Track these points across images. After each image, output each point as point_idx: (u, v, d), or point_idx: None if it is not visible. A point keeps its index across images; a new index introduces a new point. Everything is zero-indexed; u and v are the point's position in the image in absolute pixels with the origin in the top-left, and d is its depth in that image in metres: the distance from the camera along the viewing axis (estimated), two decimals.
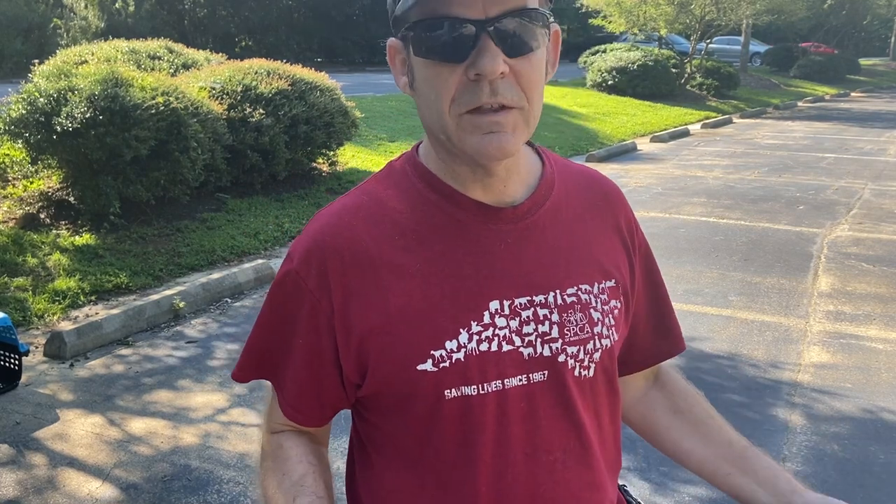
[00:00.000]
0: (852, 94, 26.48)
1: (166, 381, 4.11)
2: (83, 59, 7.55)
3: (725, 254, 6.58)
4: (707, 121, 16.82)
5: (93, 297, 5.09)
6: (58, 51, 7.99)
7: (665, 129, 15.00)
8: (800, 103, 22.21)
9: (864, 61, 36.80)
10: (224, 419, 3.70)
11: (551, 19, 0.94)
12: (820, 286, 5.76)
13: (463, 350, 0.94)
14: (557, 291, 0.99)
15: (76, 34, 18.64)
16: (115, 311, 4.75)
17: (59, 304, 4.92)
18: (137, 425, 3.63)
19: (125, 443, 3.48)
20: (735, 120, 17.91)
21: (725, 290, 5.64)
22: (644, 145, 13.33)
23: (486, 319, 0.95)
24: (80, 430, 3.58)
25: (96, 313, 4.82)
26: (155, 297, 5.04)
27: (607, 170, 10.74)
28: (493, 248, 0.98)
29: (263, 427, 1.12)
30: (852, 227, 7.63)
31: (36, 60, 7.21)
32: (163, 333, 4.77)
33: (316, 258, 0.98)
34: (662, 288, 1.19)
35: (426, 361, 0.94)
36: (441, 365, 0.94)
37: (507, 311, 0.96)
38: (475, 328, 0.95)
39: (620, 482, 1.17)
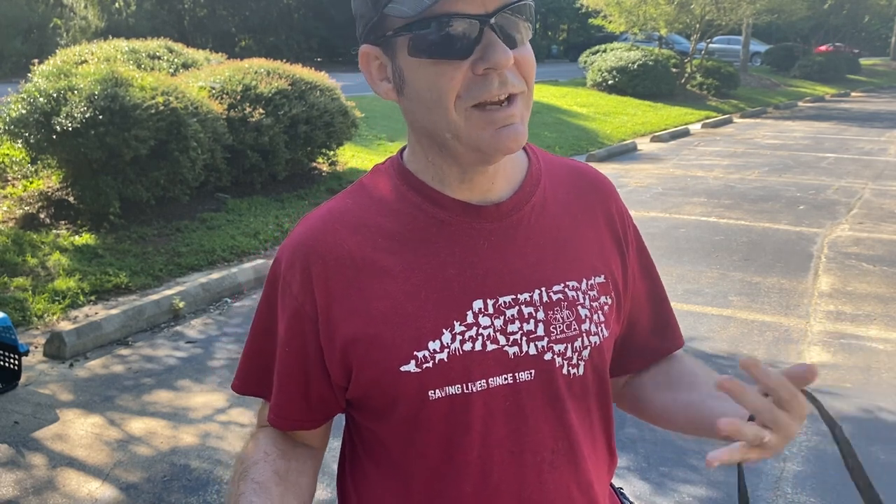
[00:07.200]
0: (852, 93, 26.47)
1: (166, 381, 4.11)
2: (83, 58, 7.55)
3: (725, 254, 6.57)
4: (707, 120, 16.81)
5: (92, 297, 5.09)
6: (57, 50, 7.99)
7: (665, 129, 15.00)
8: (800, 103, 22.20)
9: (864, 61, 36.79)
10: (223, 419, 3.70)
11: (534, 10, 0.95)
12: (820, 286, 5.76)
13: (446, 350, 0.94)
14: (543, 289, 0.98)
15: (76, 34, 18.63)
16: (114, 311, 4.75)
17: (59, 304, 4.91)
18: (137, 425, 3.63)
19: (125, 443, 3.47)
20: (735, 120, 17.90)
21: (725, 290, 5.64)
22: (644, 145, 13.33)
23: (470, 319, 0.95)
24: (79, 430, 3.57)
25: (96, 313, 4.82)
26: (155, 297, 5.03)
27: (607, 169, 10.74)
28: (476, 247, 0.97)
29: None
30: (853, 226, 7.62)
31: (36, 60, 7.21)
32: (162, 333, 4.77)
33: (300, 263, 0.98)
34: (660, 285, 1.18)
35: (409, 363, 0.93)
36: (424, 366, 0.93)
37: (491, 310, 0.96)
38: (458, 328, 0.95)
39: (617, 484, 1.16)
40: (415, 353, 0.93)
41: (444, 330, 0.94)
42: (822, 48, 32.24)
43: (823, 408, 0.88)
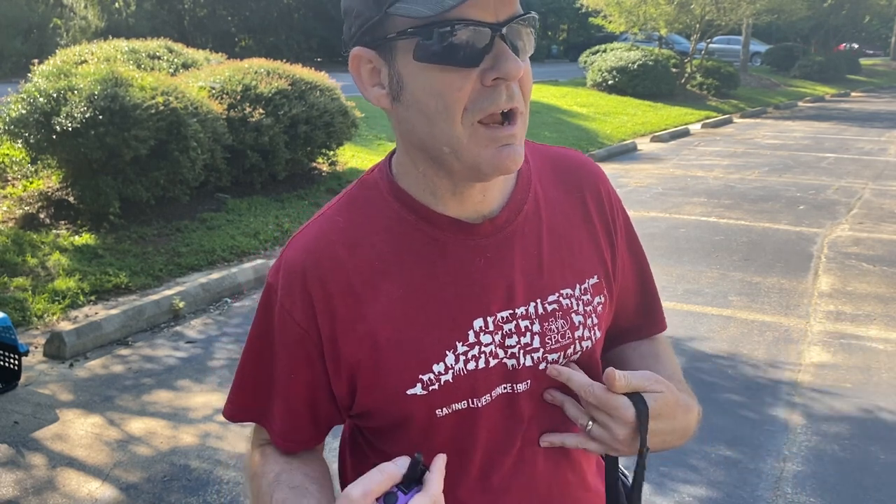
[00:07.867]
0: (852, 93, 26.46)
1: (166, 381, 4.10)
2: (83, 58, 7.55)
3: (725, 254, 6.57)
4: (707, 120, 16.80)
5: (92, 297, 5.09)
6: (57, 50, 7.98)
7: (665, 129, 14.99)
8: (800, 103, 22.20)
9: (864, 61, 36.79)
10: (223, 419, 3.69)
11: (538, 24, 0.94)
12: (820, 286, 5.76)
13: (451, 371, 0.94)
14: (538, 301, 0.99)
15: (76, 34, 18.62)
16: (114, 312, 4.75)
17: (59, 304, 4.91)
18: (137, 425, 3.63)
19: (124, 443, 3.47)
20: (735, 120, 17.90)
21: (725, 290, 5.64)
22: (644, 145, 13.33)
23: (472, 338, 0.95)
24: (79, 430, 3.57)
25: (96, 313, 4.82)
26: (154, 297, 5.03)
27: (608, 169, 10.72)
28: (472, 265, 0.97)
29: (250, 445, 1.10)
30: (853, 226, 7.62)
31: (36, 60, 7.21)
32: (162, 333, 4.77)
33: (299, 287, 0.96)
34: (647, 269, 1.18)
35: (415, 386, 0.94)
36: (430, 388, 0.94)
37: (490, 328, 0.96)
38: (461, 348, 0.95)
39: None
40: (420, 376, 0.94)
41: (447, 352, 0.94)
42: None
43: (645, 427, 0.95)
